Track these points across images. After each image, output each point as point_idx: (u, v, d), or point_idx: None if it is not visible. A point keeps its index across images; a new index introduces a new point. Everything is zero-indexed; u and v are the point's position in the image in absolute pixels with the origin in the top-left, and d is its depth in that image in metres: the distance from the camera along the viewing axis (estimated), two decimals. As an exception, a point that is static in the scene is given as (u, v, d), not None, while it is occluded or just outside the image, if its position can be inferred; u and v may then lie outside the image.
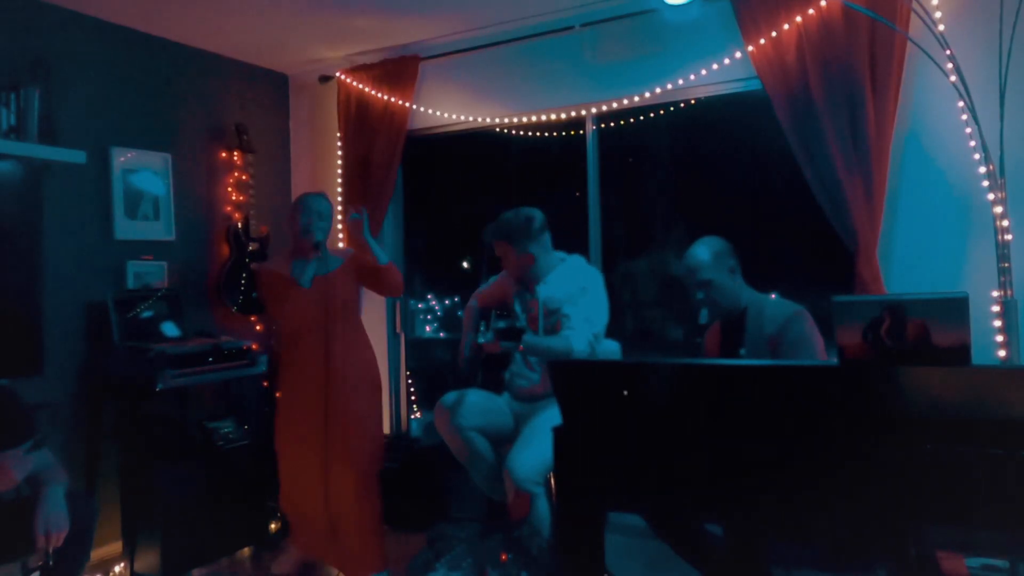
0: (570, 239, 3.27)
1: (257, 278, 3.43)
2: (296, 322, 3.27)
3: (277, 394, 3.49)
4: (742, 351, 2.68)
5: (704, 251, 2.74)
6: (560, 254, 3.19)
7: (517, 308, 3.19)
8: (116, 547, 3.59)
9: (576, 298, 3.02)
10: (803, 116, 3.19)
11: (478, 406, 3.11)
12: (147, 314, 3.72)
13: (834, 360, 1.86)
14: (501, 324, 3.05)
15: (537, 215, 3.12)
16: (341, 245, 4.37)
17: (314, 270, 3.23)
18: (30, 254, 3.36)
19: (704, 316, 2.76)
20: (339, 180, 4.45)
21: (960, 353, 1.71)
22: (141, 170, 3.90)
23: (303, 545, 3.37)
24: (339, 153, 4.46)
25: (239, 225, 4.26)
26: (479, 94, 4.13)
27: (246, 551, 3.76)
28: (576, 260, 3.19)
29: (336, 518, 3.21)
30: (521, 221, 3.08)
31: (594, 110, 3.85)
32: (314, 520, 3.27)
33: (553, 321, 3.06)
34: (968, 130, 2.92)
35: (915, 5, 2.97)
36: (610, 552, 2.27)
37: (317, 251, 3.22)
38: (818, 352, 2.59)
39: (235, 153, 4.30)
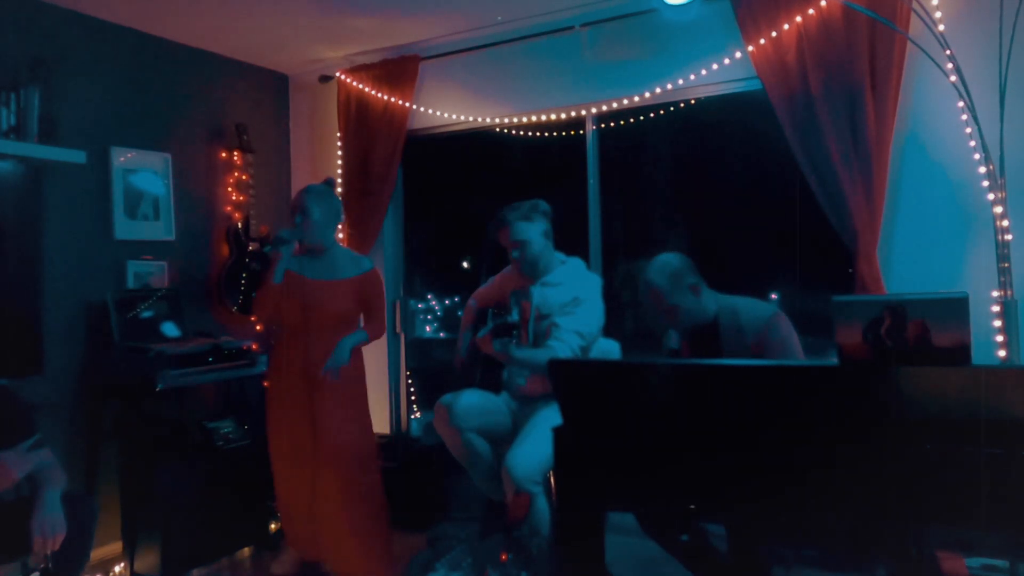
0: (570, 239, 3.28)
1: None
2: (271, 318, 3.25)
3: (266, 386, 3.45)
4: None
5: (660, 278, 2.63)
6: (559, 256, 3.19)
7: (512, 308, 3.19)
8: (116, 547, 3.58)
9: (569, 308, 3.02)
10: (803, 116, 3.18)
11: (477, 406, 3.11)
12: (147, 314, 3.72)
13: (834, 360, 1.86)
14: (494, 323, 3.06)
15: (539, 203, 3.13)
16: (340, 236, 4.34)
17: (286, 266, 3.14)
18: (30, 254, 3.36)
19: (675, 340, 2.72)
20: (339, 180, 4.45)
21: (960, 353, 1.71)
22: (141, 170, 3.90)
23: (296, 546, 3.36)
24: (339, 153, 4.46)
25: (239, 225, 4.26)
26: (479, 94, 4.13)
27: (246, 551, 3.75)
28: (575, 264, 3.19)
29: (325, 521, 3.20)
30: (527, 206, 3.10)
31: (594, 110, 3.85)
32: (302, 523, 3.27)
33: (544, 326, 3.06)
34: (968, 130, 2.92)
35: (915, 5, 2.97)
36: (610, 552, 2.27)
37: (277, 247, 3.11)
38: (798, 351, 2.57)
39: (235, 153, 4.30)
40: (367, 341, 3.28)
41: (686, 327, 2.69)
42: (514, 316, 3.08)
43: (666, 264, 2.65)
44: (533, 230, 3.08)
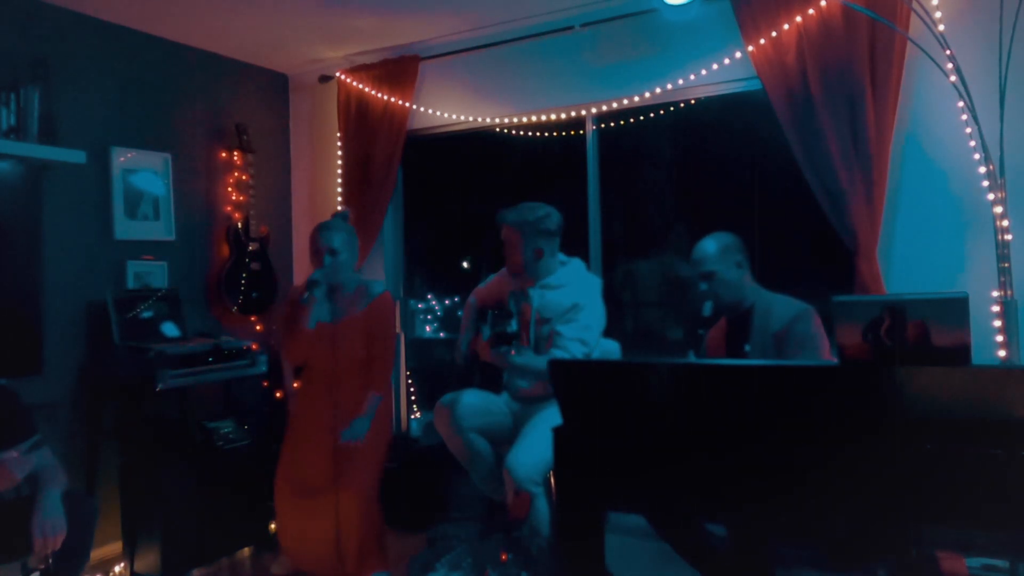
0: (570, 239, 3.27)
1: (289, 296, 3.39)
2: (299, 360, 3.24)
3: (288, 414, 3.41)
4: (747, 347, 2.69)
5: (711, 244, 2.77)
6: (560, 256, 3.19)
7: (511, 308, 3.19)
8: (116, 547, 3.58)
9: (570, 315, 3.01)
10: (803, 116, 3.18)
11: (477, 407, 3.11)
12: (147, 314, 3.72)
13: (834, 360, 1.86)
14: (496, 328, 3.06)
15: (555, 215, 3.11)
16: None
17: (320, 314, 3.13)
18: (30, 254, 3.35)
19: (708, 308, 2.78)
20: (339, 180, 4.45)
21: (960, 353, 1.71)
22: (141, 170, 3.90)
23: (298, 560, 3.35)
24: (339, 153, 4.46)
25: (239, 225, 4.26)
26: (479, 94, 4.13)
27: (246, 551, 3.75)
28: (575, 265, 3.18)
29: (324, 522, 3.17)
30: (539, 214, 3.07)
31: (594, 110, 3.85)
32: (318, 547, 3.22)
33: (545, 331, 3.05)
34: (968, 130, 2.91)
35: (915, 5, 2.97)
36: (610, 552, 2.27)
37: (311, 292, 3.05)
38: (823, 351, 2.60)
39: (235, 153, 4.30)
40: (381, 400, 3.18)
41: (721, 299, 2.76)
42: (513, 326, 3.08)
43: (721, 236, 2.81)
44: (540, 240, 3.07)
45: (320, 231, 3.19)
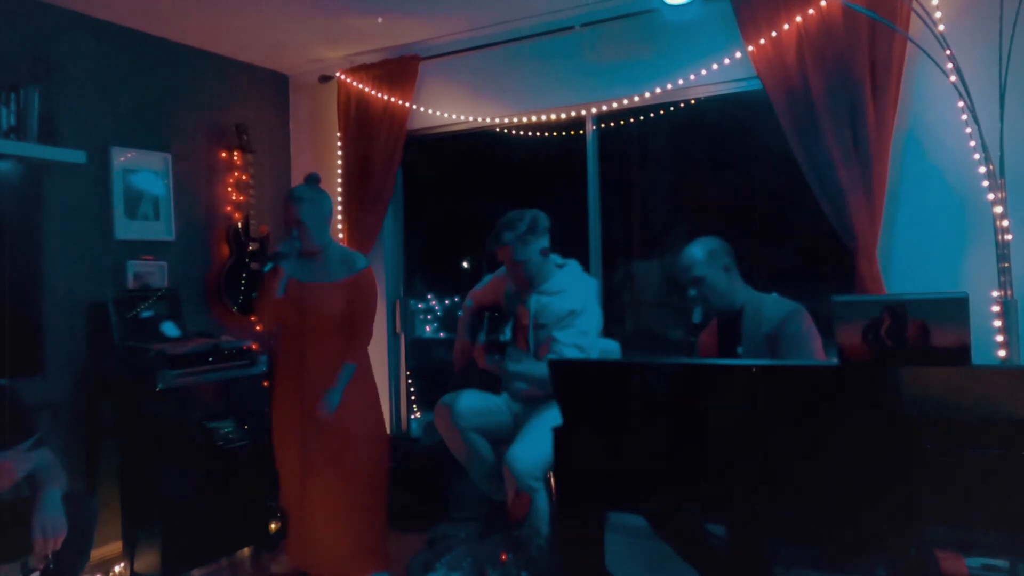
0: (570, 239, 3.27)
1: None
2: (272, 322, 3.22)
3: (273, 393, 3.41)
4: (739, 349, 2.69)
5: (698, 249, 2.78)
6: (556, 258, 3.18)
7: (508, 312, 3.18)
8: (116, 547, 3.58)
9: (567, 322, 3.01)
10: (803, 116, 3.18)
11: (477, 406, 3.11)
12: (147, 314, 3.72)
13: (834, 360, 1.86)
14: (490, 336, 3.06)
15: (539, 217, 3.09)
16: (340, 236, 4.34)
17: (293, 271, 3.11)
18: (30, 254, 3.35)
19: (698, 315, 2.79)
20: (339, 180, 4.45)
21: (960, 353, 1.71)
22: (141, 170, 3.90)
23: (294, 556, 3.35)
24: (339, 153, 4.46)
25: (239, 225, 4.26)
26: (479, 94, 4.13)
27: (246, 551, 3.76)
28: (572, 268, 3.17)
29: (325, 520, 3.18)
30: (523, 223, 3.06)
31: (594, 110, 3.85)
32: (298, 529, 3.24)
33: (543, 336, 3.05)
34: (968, 130, 2.91)
35: (915, 5, 2.97)
36: (610, 552, 2.27)
37: (275, 263, 3.05)
38: (816, 350, 2.60)
39: (235, 153, 4.30)
40: (355, 370, 3.16)
41: (711, 304, 2.76)
42: (507, 335, 3.08)
43: (706, 240, 2.81)
44: (531, 251, 3.06)
45: (290, 203, 3.16)
